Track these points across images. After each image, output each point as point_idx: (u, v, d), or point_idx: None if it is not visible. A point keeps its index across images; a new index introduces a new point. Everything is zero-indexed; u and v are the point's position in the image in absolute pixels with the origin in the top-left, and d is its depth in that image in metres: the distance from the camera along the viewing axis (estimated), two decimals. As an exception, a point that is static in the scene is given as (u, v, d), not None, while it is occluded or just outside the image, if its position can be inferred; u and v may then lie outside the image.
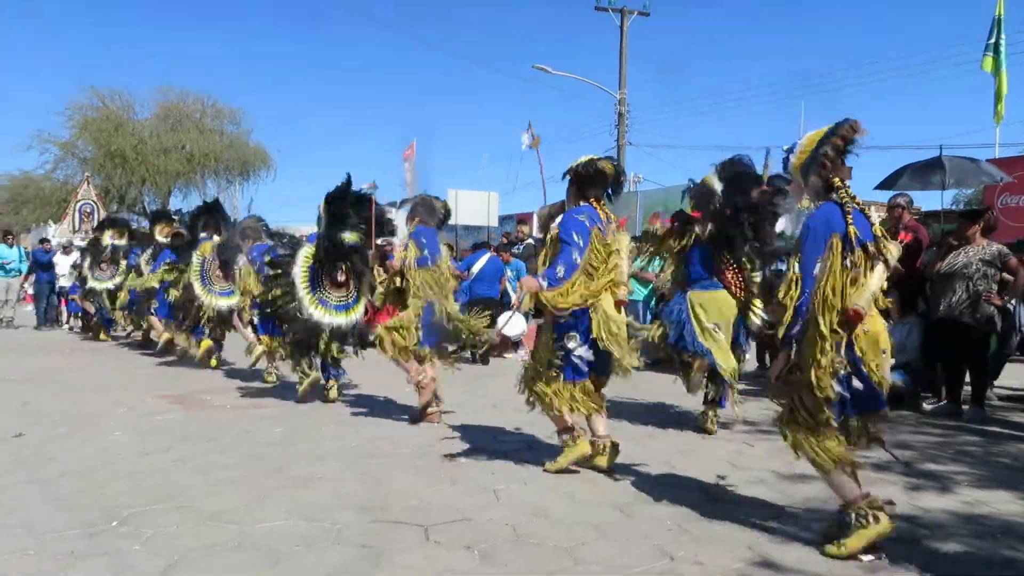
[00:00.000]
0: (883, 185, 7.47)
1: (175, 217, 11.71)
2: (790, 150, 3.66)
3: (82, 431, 5.64)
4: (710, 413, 5.82)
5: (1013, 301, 6.80)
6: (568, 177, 4.61)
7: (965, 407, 6.68)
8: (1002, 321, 6.61)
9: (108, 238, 13.27)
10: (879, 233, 3.43)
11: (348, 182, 6.89)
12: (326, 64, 72.53)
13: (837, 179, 3.43)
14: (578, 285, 4.38)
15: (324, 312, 6.67)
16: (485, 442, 5.34)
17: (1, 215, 37.55)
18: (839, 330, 3.29)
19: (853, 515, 3.35)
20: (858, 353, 3.31)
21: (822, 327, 3.28)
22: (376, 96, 76.76)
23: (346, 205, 6.75)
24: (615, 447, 4.55)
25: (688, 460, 4.94)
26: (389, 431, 5.76)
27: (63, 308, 16.11)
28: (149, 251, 11.86)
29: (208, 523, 3.62)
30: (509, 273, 11.35)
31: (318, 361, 7.02)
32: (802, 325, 3.33)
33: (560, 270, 4.32)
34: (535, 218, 24.05)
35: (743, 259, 5.64)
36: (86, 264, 13.35)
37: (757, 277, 5.67)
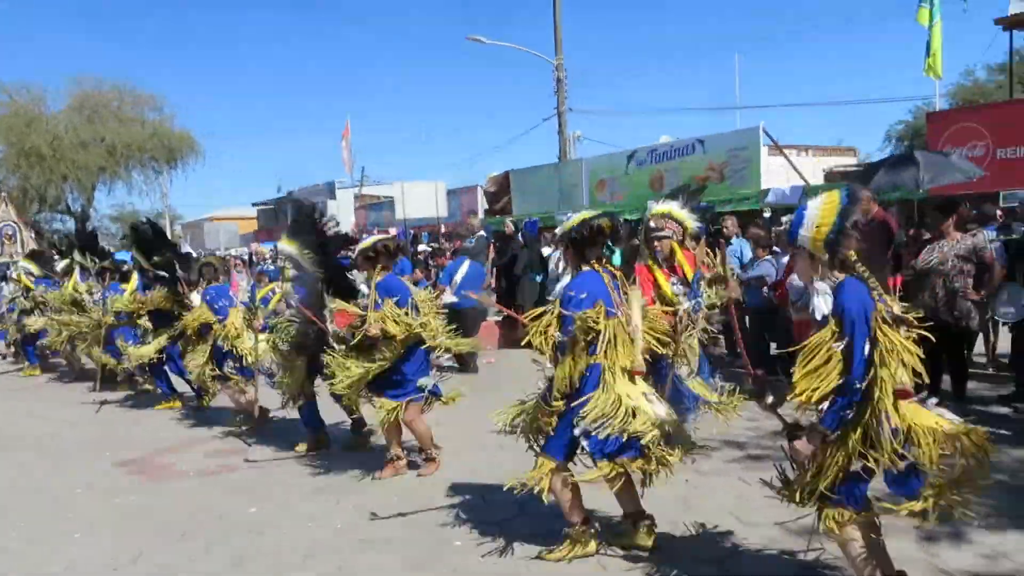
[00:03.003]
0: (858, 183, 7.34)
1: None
2: (796, 224, 3.40)
3: (39, 531, 5.19)
4: None
5: None
6: (563, 241, 4.31)
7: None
8: (980, 317, 6.58)
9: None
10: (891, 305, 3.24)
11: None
12: (250, 43, 70.13)
13: (852, 253, 3.22)
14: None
15: None
16: (477, 508, 5.09)
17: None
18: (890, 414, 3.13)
19: None
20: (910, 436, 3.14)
21: (887, 409, 3.13)
22: (305, 75, 74.77)
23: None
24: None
25: (691, 514, 4.75)
26: (373, 499, 5.44)
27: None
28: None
29: None
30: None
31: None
32: (856, 409, 3.15)
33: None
34: (479, 192, 23.69)
35: None
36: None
37: None
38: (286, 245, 6.45)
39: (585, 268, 4.19)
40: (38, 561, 4.73)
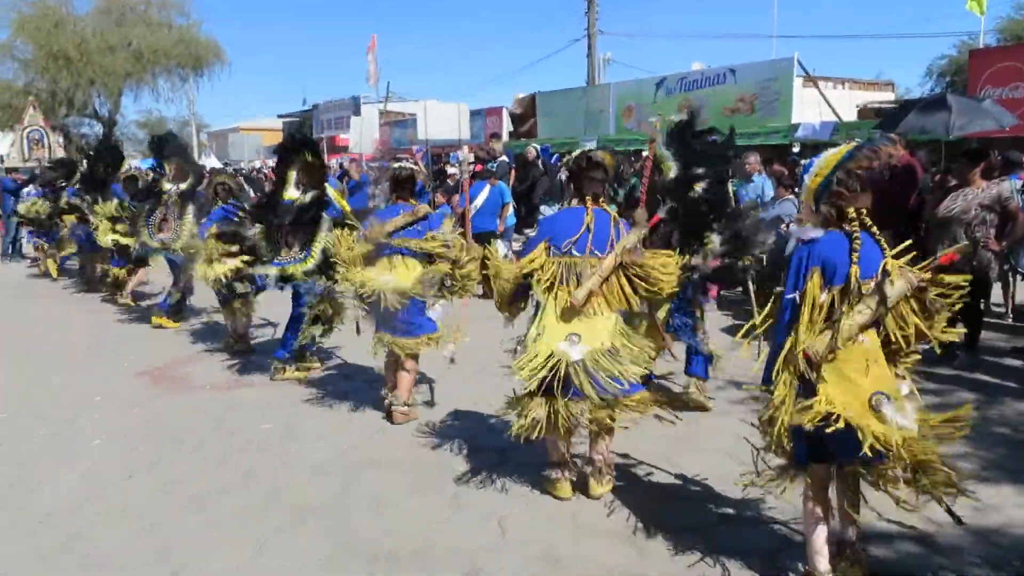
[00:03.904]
0: (887, 126, 7.15)
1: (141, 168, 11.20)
2: (806, 168, 3.38)
3: (59, 439, 5.41)
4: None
5: None
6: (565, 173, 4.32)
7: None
8: (999, 267, 6.49)
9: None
10: (889, 268, 3.09)
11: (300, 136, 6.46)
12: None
13: (852, 209, 3.13)
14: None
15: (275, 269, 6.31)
16: (480, 435, 5.22)
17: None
18: (795, 372, 3.11)
19: None
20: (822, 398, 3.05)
21: (777, 367, 3.15)
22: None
23: (293, 157, 6.30)
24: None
25: (688, 456, 4.83)
26: (382, 421, 5.59)
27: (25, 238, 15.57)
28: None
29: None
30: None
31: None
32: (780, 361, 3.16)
33: None
34: (505, 114, 23.34)
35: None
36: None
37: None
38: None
39: (575, 203, 4.19)
40: (58, 465, 4.93)
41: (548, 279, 4.06)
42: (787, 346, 3.11)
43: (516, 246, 11.90)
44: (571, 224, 4.10)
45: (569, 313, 3.99)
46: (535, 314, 4.17)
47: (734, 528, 3.90)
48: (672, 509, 4.10)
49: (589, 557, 3.67)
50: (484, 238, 10.38)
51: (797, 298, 3.10)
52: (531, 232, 11.76)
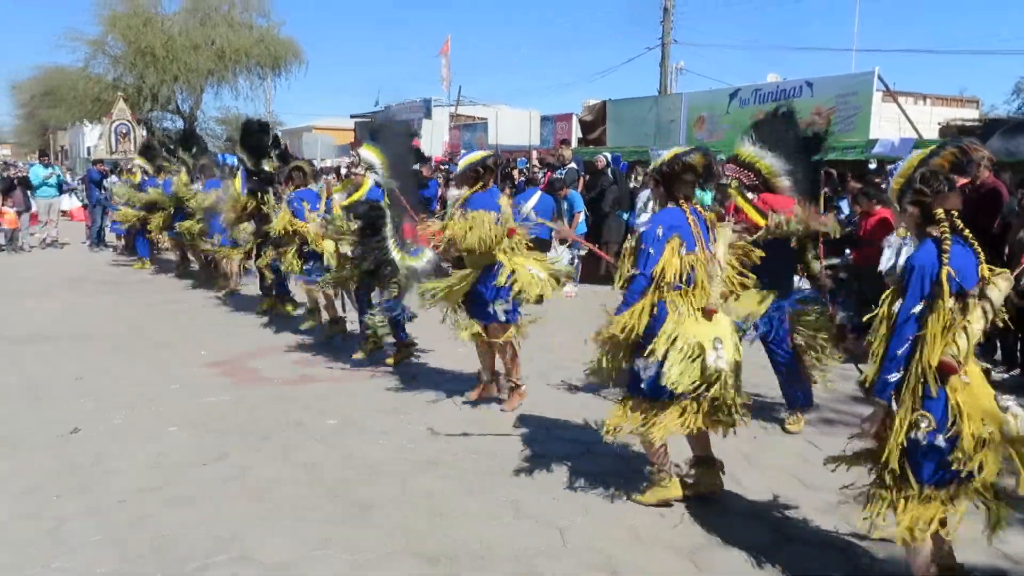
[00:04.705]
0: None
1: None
2: (891, 172, 3.34)
3: (137, 423, 5.62)
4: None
5: None
6: (654, 177, 4.30)
7: None
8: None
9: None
10: (986, 274, 3.03)
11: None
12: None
13: (940, 210, 3.06)
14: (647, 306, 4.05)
15: (411, 259, 6.41)
16: (542, 442, 5.23)
17: (37, 108, 37.52)
18: (929, 383, 3.04)
19: None
20: (951, 412, 3.04)
21: (911, 378, 3.06)
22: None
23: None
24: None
25: (752, 471, 4.77)
26: (443, 422, 5.66)
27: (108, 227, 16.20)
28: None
29: (270, 581, 3.56)
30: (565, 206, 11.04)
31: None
32: (902, 374, 3.08)
33: (629, 295, 4.08)
34: (574, 120, 23.34)
35: None
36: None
37: None
38: (368, 152, 6.55)
39: (671, 205, 4.18)
40: (135, 450, 5.13)
41: (681, 279, 4.03)
42: (916, 358, 3.04)
43: (583, 254, 11.91)
44: (683, 222, 4.09)
45: (704, 314, 4.00)
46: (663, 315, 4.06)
47: (796, 550, 3.82)
48: (733, 526, 4.05)
49: (647, 569, 3.65)
50: (537, 245, 10.43)
51: (919, 309, 3.01)
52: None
